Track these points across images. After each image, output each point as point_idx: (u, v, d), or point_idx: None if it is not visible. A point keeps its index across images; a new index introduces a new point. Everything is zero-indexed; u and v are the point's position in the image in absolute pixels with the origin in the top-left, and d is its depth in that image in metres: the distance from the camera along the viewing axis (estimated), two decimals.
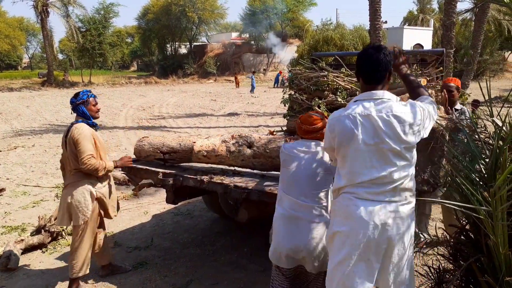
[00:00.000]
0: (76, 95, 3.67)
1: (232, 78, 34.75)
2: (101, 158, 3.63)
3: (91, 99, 3.69)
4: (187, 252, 4.53)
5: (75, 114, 3.68)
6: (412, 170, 2.18)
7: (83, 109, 3.63)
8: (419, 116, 2.14)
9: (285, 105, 6.12)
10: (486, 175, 2.14)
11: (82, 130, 3.51)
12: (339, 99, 5.47)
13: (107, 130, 12.64)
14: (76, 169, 3.54)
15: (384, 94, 2.17)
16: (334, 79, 5.70)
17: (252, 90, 26.83)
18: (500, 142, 2.19)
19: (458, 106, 4.43)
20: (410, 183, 2.18)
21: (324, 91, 5.67)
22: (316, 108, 5.61)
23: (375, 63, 2.17)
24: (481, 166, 2.22)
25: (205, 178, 3.64)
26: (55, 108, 18.96)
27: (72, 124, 3.60)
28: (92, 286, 3.86)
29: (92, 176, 3.58)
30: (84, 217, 3.54)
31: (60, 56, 44.22)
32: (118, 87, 32.88)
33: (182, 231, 5.12)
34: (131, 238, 4.88)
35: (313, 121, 2.76)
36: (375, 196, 2.12)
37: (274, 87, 31.90)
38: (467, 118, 3.28)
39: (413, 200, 2.22)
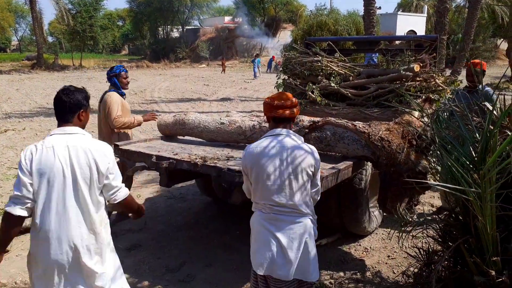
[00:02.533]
0: (111, 68, 4.60)
1: (226, 63, 34.49)
2: None
3: (122, 73, 4.57)
4: (180, 234, 4.56)
5: (109, 84, 4.60)
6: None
7: (115, 80, 4.52)
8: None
9: (278, 90, 6.11)
10: (476, 159, 2.18)
11: (113, 97, 4.42)
12: (333, 84, 5.49)
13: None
14: (111, 131, 4.48)
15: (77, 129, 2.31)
16: (328, 64, 5.71)
17: (255, 75, 26.41)
18: (491, 127, 2.23)
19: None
20: None
21: (318, 76, 5.68)
22: (310, 93, 5.63)
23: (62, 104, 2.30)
24: (472, 150, 2.26)
25: (199, 161, 3.65)
26: (46, 92, 18.71)
27: (105, 92, 4.53)
28: None
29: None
30: None
31: (50, 39, 43.50)
32: None
33: (175, 214, 5.15)
34: (124, 221, 4.89)
35: (287, 97, 2.55)
36: None
37: (267, 72, 31.75)
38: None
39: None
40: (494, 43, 36.51)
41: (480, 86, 3.89)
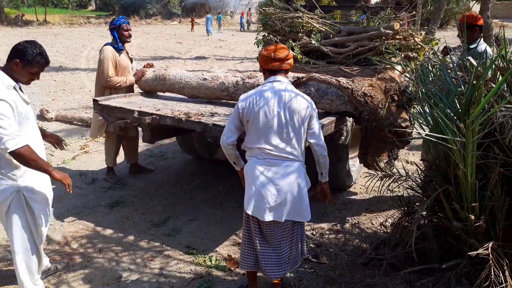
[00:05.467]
0: (112, 20, 4.48)
1: (198, 20, 33.49)
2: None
3: (123, 25, 4.41)
4: (163, 191, 4.58)
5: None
6: None
7: (115, 34, 4.41)
8: None
9: (258, 47, 6.03)
10: (460, 110, 2.26)
11: (105, 53, 4.33)
12: (313, 42, 5.46)
13: (69, 72, 12.08)
14: (104, 87, 4.41)
15: None
16: (309, 21, 5.65)
17: (208, 32, 25.78)
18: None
19: (474, 44, 3.89)
20: None
21: (299, 33, 5.62)
22: (290, 50, 5.58)
23: None
24: (457, 102, 2.33)
25: (183, 117, 3.61)
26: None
27: (104, 45, 4.44)
28: (69, 224, 3.87)
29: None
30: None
31: None
32: (77, 27, 30.99)
33: (156, 172, 5.14)
34: (104, 178, 4.86)
35: (281, 48, 2.60)
36: None
37: (241, 30, 31.10)
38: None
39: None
40: (467, 6, 36.79)
41: (476, 44, 3.88)
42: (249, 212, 2.56)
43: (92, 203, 4.29)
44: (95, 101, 4.06)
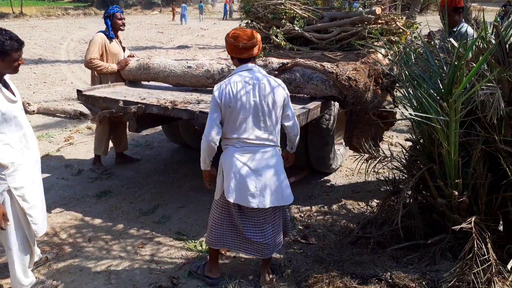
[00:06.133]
0: (107, 9, 4.58)
1: (179, 10, 33.04)
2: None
3: (117, 13, 4.50)
4: (151, 180, 4.58)
5: None
6: None
7: (108, 22, 4.47)
8: None
9: None
10: (443, 90, 2.32)
11: (95, 38, 4.41)
12: (297, 28, 5.47)
13: (49, 64, 11.85)
14: (93, 75, 4.50)
15: None
16: (291, 7, 5.65)
17: (182, 20, 25.49)
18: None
19: (457, 27, 3.93)
20: None
21: (282, 19, 5.62)
22: (274, 37, 5.59)
23: None
24: (439, 82, 2.40)
25: (169, 105, 3.60)
26: None
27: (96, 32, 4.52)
28: (57, 215, 3.85)
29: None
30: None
31: None
32: (54, 19, 30.27)
33: (143, 161, 5.13)
34: (91, 169, 4.82)
35: (250, 34, 2.53)
36: None
37: (223, 19, 30.83)
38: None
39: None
40: None
41: (459, 26, 3.93)
42: (231, 200, 2.58)
43: (79, 194, 4.26)
44: (79, 91, 4.02)
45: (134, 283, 2.93)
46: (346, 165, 4.84)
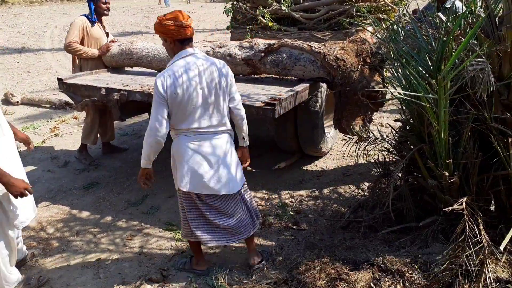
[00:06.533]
0: None
1: None
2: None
3: None
4: (139, 170, 4.47)
5: None
6: None
7: (91, 5, 4.30)
8: None
9: (227, 15, 5.87)
10: (432, 67, 2.24)
11: (75, 21, 4.27)
12: (284, 8, 5.33)
13: (33, 53, 11.56)
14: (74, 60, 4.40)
15: None
16: None
17: (165, 2, 24.96)
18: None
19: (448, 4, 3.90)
20: None
21: None
22: (261, 18, 5.45)
23: None
24: (428, 59, 2.31)
25: (153, 91, 3.49)
26: None
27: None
28: (44, 209, 3.76)
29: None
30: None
31: None
32: (37, 6, 29.52)
33: (130, 150, 5.03)
34: (77, 158, 4.72)
35: (183, 13, 2.40)
36: None
37: (211, 1, 30.29)
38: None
39: None
40: None
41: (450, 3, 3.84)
42: (185, 189, 2.52)
43: (66, 186, 4.17)
44: (59, 80, 3.89)
45: (123, 276, 2.87)
46: (337, 148, 4.77)
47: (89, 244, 3.24)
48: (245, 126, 2.70)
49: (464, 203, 2.18)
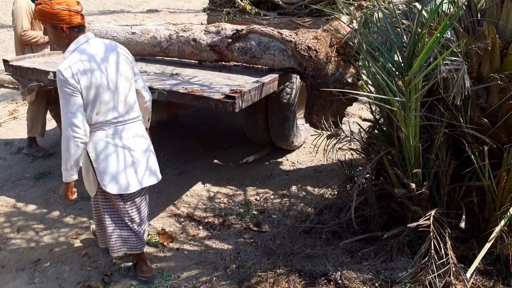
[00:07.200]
0: None
1: None
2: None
3: None
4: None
5: None
6: None
7: None
8: None
9: None
10: (403, 65, 1.98)
11: (19, 4, 3.86)
12: None
13: (5, 29, 11.00)
14: (20, 43, 3.96)
15: None
16: None
17: None
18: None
19: None
20: None
21: None
22: (239, 0, 5.13)
23: None
24: (399, 55, 2.05)
25: None
26: None
27: None
28: None
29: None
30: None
31: None
32: None
33: None
34: (27, 154, 4.37)
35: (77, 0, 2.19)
36: None
37: None
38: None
39: None
40: None
41: None
42: (113, 191, 2.26)
43: (15, 176, 3.86)
44: (5, 61, 3.54)
45: (60, 281, 2.61)
46: (311, 141, 4.52)
47: (30, 243, 2.96)
48: (150, 109, 2.58)
49: (431, 219, 1.95)
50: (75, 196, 2.36)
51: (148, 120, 2.60)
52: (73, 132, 2.07)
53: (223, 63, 3.84)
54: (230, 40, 3.52)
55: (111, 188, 2.25)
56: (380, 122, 2.53)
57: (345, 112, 3.59)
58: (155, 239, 2.96)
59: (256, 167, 4.04)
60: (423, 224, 1.93)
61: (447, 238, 1.96)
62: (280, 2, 4.96)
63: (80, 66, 2.07)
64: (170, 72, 3.54)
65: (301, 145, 4.37)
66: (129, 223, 2.41)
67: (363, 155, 2.73)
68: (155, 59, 3.91)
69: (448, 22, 1.84)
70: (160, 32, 3.71)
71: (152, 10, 15.04)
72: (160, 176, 2.48)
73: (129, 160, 2.29)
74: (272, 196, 3.54)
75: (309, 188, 3.65)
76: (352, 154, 2.96)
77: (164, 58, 3.92)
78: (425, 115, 2.11)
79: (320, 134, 3.12)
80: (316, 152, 4.26)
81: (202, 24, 5.64)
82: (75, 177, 2.23)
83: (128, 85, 2.27)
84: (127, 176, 2.28)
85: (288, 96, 3.81)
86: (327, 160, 3.75)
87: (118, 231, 2.44)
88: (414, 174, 2.11)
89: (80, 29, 2.16)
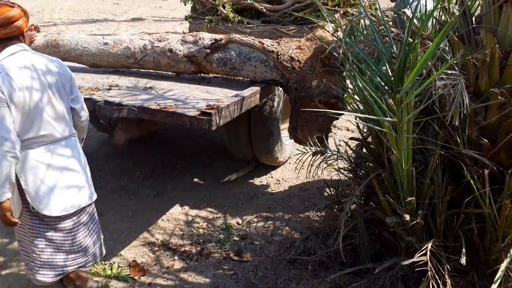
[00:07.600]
0: None
1: None
2: None
3: None
4: None
5: None
6: None
7: None
8: None
9: (185, 5, 5.31)
10: (392, 78, 1.75)
11: None
12: None
13: None
14: None
15: None
16: None
17: None
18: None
19: None
20: None
21: None
22: (221, 8, 4.91)
23: None
24: (388, 67, 1.82)
25: None
26: None
27: None
28: None
29: None
30: None
31: None
32: None
33: None
34: None
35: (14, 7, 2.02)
36: None
37: None
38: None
39: None
40: None
41: None
42: (47, 212, 2.08)
43: None
44: None
45: None
46: (296, 157, 4.28)
47: None
48: (86, 128, 2.45)
49: (428, 254, 1.71)
50: (16, 219, 2.08)
51: (82, 140, 2.46)
52: (7, 147, 1.89)
53: (202, 75, 3.61)
54: (208, 50, 3.29)
55: (44, 209, 2.07)
56: (368, 141, 2.30)
57: (332, 125, 3.37)
58: (125, 272, 2.68)
59: (239, 185, 3.79)
60: (419, 260, 1.70)
61: (446, 276, 1.73)
62: (264, 10, 4.76)
63: (7, 76, 1.91)
64: (143, 86, 3.29)
65: (286, 161, 4.13)
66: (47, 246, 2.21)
67: (350, 177, 2.49)
68: (129, 72, 3.66)
69: (445, 31, 1.61)
70: (134, 42, 3.47)
71: (136, 18, 14.79)
72: (94, 197, 2.35)
73: (61, 181, 2.13)
74: (255, 219, 3.28)
75: (294, 208, 3.40)
76: (339, 175, 2.72)
77: (139, 70, 3.68)
78: (418, 136, 1.89)
79: (305, 152, 2.89)
80: (303, 168, 4.02)
81: (184, 33, 5.40)
82: (9, 195, 1.97)
83: (63, 101, 2.14)
84: (58, 197, 2.12)
85: (272, 109, 3.58)
86: (313, 177, 3.51)
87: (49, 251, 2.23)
88: (407, 203, 1.87)
89: (13, 39, 2.03)
